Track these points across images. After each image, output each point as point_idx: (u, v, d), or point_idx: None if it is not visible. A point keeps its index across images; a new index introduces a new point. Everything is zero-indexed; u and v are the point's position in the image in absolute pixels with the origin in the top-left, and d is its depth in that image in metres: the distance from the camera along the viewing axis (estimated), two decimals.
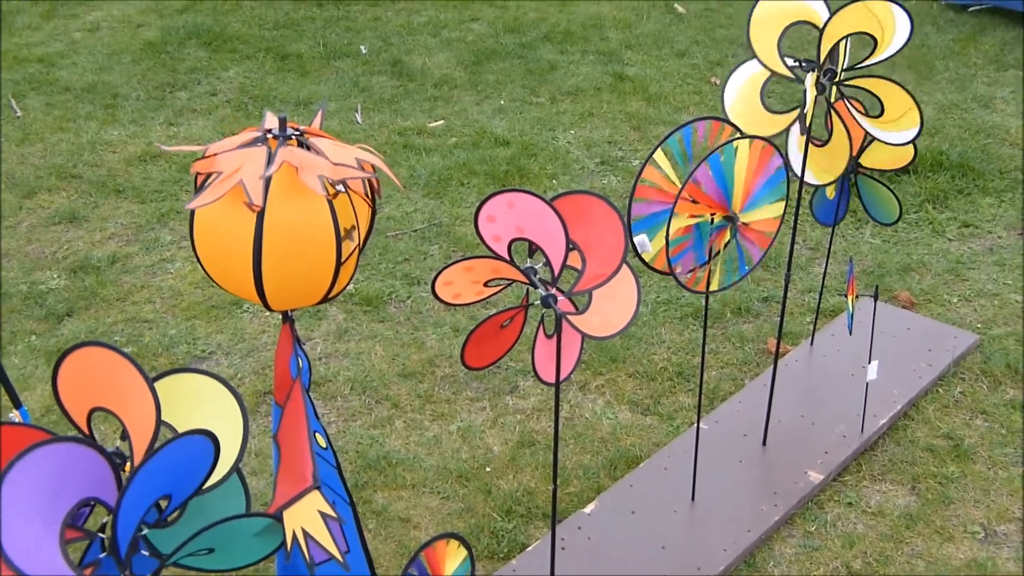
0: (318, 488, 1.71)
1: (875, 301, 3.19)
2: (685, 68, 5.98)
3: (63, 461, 1.39)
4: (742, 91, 2.82)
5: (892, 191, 3.25)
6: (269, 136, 1.70)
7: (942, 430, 3.32)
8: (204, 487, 1.55)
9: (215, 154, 1.65)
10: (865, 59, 2.76)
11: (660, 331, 3.79)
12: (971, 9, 6.62)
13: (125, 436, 1.53)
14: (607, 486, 3.10)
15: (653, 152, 2.39)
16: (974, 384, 3.51)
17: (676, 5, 6.91)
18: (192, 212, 1.69)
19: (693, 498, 3.01)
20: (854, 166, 3.20)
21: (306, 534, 1.69)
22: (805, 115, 2.75)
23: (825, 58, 2.71)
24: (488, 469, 3.20)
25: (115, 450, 1.53)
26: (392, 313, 3.91)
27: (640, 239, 2.44)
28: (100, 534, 1.51)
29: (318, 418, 1.98)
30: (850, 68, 2.82)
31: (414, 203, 4.62)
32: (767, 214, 2.55)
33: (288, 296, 1.74)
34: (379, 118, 5.43)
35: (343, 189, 1.71)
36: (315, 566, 1.74)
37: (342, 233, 1.69)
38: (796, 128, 2.84)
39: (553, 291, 2.05)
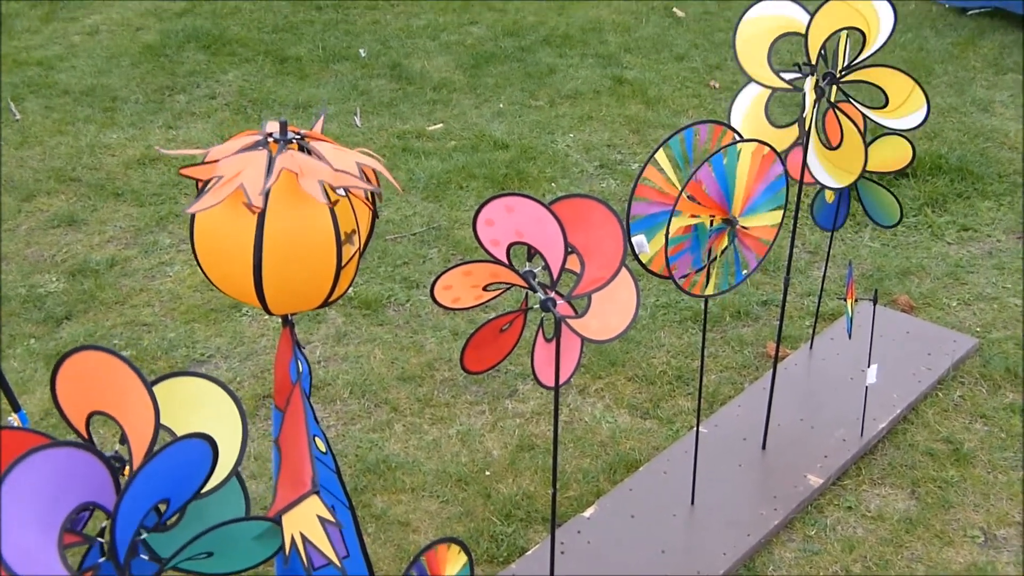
0: (317, 493, 1.71)
1: (874, 305, 3.19)
2: (684, 72, 5.98)
3: (62, 466, 1.39)
4: (748, 112, 2.83)
5: (892, 193, 3.25)
6: (270, 140, 1.69)
7: (942, 434, 3.31)
8: (203, 491, 1.54)
9: (215, 160, 1.65)
10: (858, 55, 2.77)
11: (659, 335, 3.79)
12: (970, 12, 6.62)
13: (124, 440, 1.53)
14: (606, 490, 3.10)
15: (655, 152, 2.39)
16: (973, 388, 3.51)
17: (675, 9, 6.92)
18: (192, 216, 1.69)
19: (693, 502, 3.01)
20: None
21: (305, 539, 1.69)
22: (804, 119, 2.76)
23: (818, 60, 2.72)
24: (487, 473, 3.19)
25: (114, 454, 1.53)
26: (391, 316, 3.91)
27: (638, 239, 2.44)
28: (99, 538, 1.50)
29: (317, 422, 1.98)
30: (846, 68, 2.82)
31: (413, 206, 4.62)
32: (765, 221, 2.55)
33: (288, 300, 1.73)
34: (378, 121, 5.43)
35: (344, 194, 1.71)
36: (314, 571, 1.73)
37: (343, 237, 1.69)
38: (812, 137, 2.85)
39: (552, 295, 2.05)
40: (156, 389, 1.54)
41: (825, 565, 2.88)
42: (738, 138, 2.50)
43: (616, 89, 5.78)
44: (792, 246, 2.98)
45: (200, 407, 1.65)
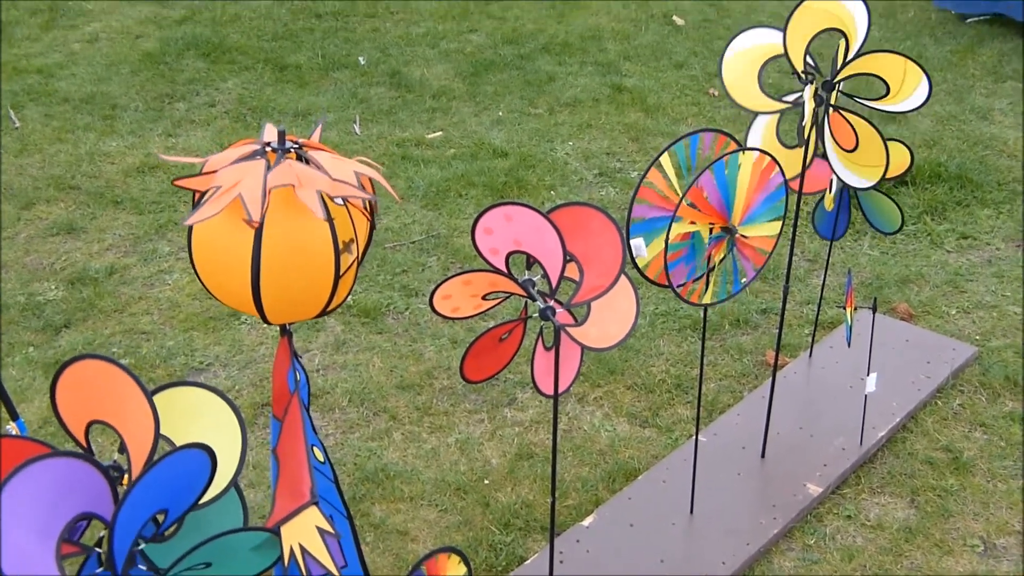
0: (316, 503, 1.71)
1: (874, 313, 3.19)
2: (683, 79, 5.99)
3: (61, 475, 1.38)
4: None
5: (893, 199, 3.25)
6: (268, 149, 1.69)
7: (941, 442, 3.31)
8: (202, 502, 1.54)
9: (213, 170, 1.65)
10: (871, 98, 2.77)
11: (658, 343, 3.78)
12: (969, 20, 6.63)
13: (123, 449, 1.53)
14: (605, 499, 3.10)
15: (660, 155, 2.40)
16: (973, 396, 3.51)
17: (674, 17, 6.92)
18: (190, 226, 1.68)
19: (692, 511, 3.00)
20: None
21: (303, 550, 1.68)
22: (804, 127, 2.75)
23: (811, 68, 2.72)
24: (486, 482, 3.19)
25: (112, 463, 1.52)
26: (390, 325, 3.91)
27: (636, 242, 2.44)
28: (97, 548, 1.50)
29: (315, 432, 1.98)
30: (850, 96, 2.83)
31: (412, 214, 4.62)
32: (764, 231, 2.55)
33: (286, 310, 1.73)
34: (377, 129, 5.44)
35: (342, 203, 1.71)
36: None
37: (340, 246, 1.69)
38: (761, 120, 2.86)
39: (551, 303, 2.05)
40: (155, 399, 1.54)
41: (824, 574, 2.87)
42: (728, 142, 2.51)
43: (615, 97, 5.78)
44: (791, 254, 2.98)
45: (199, 417, 1.65)
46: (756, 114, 2.87)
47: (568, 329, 2.11)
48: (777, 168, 2.48)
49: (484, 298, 2.12)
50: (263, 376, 3.62)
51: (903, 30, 6.57)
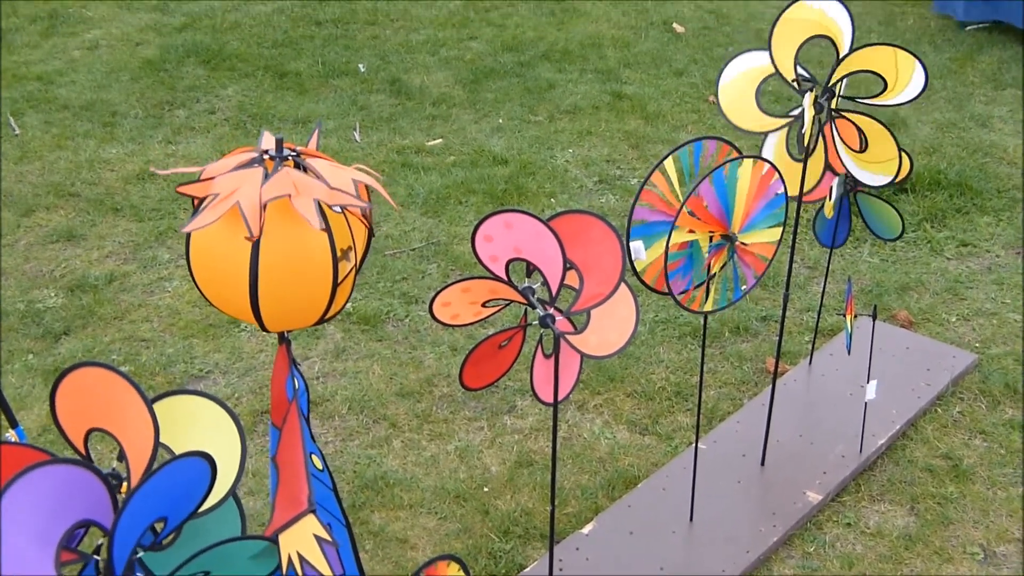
0: (314, 511, 1.70)
1: (873, 320, 3.19)
2: (683, 87, 5.99)
3: (60, 482, 1.38)
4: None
5: (893, 205, 3.25)
6: (266, 157, 1.69)
7: (941, 450, 3.31)
8: (201, 510, 1.54)
9: (211, 177, 1.65)
10: (869, 96, 2.76)
11: (658, 350, 3.78)
12: (968, 28, 6.64)
13: (122, 457, 1.53)
14: (605, 506, 3.10)
15: (665, 157, 2.40)
16: (973, 404, 3.51)
17: (674, 24, 6.93)
18: (188, 234, 1.68)
19: (692, 519, 3.00)
20: (852, 184, 3.19)
21: (301, 558, 1.68)
22: (803, 135, 2.75)
23: (810, 78, 2.72)
24: (486, 489, 3.19)
25: (111, 471, 1.52)
26: (390, 332, 3.91)
27: (636, 245, 2.44)
28: (95, 556, 1.50)
29: (314, 440, 1.98)
30: (850, 98, 2.82)
31: (412, 222, 4.63)
32: (764, 238, 2.55)
33: (284, 318, 1.73)
34: (377, 136, 5.44)
35: (340, 210, 1.71)
36: None
37: (338, 254, 1.69)
38: (773, 138, 2.85)
39: (551, 311, 2.05)
40: (155, 407, 1.54)
41: None
42: (731, 152, 2.51)
43: (615, 104, 5.79)
44: (791, 261, 2.98)
45: (199, 426, 1.65)
46: (766, 134, 2.87)
47: (568, 337, 2.11)
48: (776, 175, 2.48)
49: (484, 305, 2.12)
50: (263, 383, 3.62)
51: (902, 37, 6.58)
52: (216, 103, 5.83)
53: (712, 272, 2.54)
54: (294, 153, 1.71)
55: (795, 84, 2.70)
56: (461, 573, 2.10)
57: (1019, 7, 6.27)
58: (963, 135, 5.33)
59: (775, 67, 2.71)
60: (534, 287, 2.07)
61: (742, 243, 2.52)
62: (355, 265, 1.78)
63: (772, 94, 5.39)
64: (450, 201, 4.78)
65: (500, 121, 5.61)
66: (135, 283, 4.21)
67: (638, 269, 2.46)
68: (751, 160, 2.43)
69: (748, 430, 3.33)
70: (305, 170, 1.69)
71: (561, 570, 2.83)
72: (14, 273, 4.28)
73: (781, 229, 2.56)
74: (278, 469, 1.81)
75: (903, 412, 3.40)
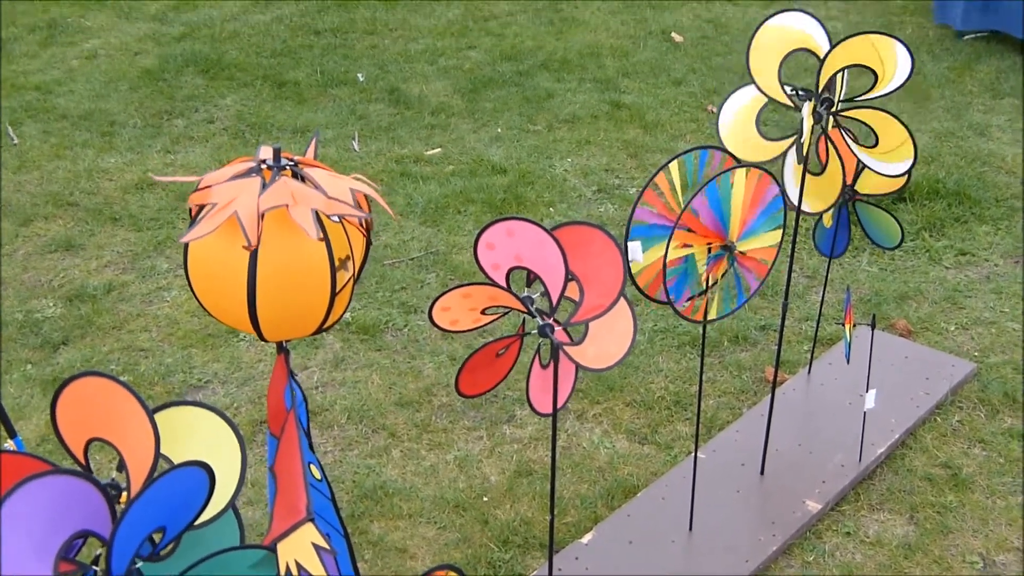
0: (312, 520, 1.70)
1: (872, 330, 3.19)
2: (682, 96, 6.00)
3: (60, 493, 1.38)
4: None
5: (892, 214, 3.25)
6: (263, 167, 1.69)
7: (940, 459, 3.31)
8: (200, 521, 1.54)
9: (209, 186, 1.65)
10: (864, 93, 2.75)
11: (657, 360, 3.78)
12: (966, 37, 6.65)
13: (121, 467, 1.52)
14: (604, 516, 3.09)
15: (668, 162, 2.40)
16: (972, 413, 3.51)
17: (673, 34, 6.94)
18: (186, 244, 1.68)
19: (691, 528, 3.00)
20: (851, 194, 3.20)
21: (300, 567, 1.68)
22: (802, 144, 2.75)
23: (823, 88, 2.71)
24: (485, 499, 3.18)
25: (110, 481, 1.52)
26: (389, 341, 3.90)
27: (633, 245, 2.44)
28: (93, 567, 1.49)
29: (312, 449, 1.98)
30: (848, 100, 2.82)
31: (411, 231, 4.63)
32: (764, 242, 2.55)
33: (282, 328, 1.73)
34: (376, 146, 5.44)
35: (338, 220, 1.71)
36: None
37: (336, 263, 1.69)
38: (792, 157, 2.83)
39: (550, 321, 2.05)
40: (155, 418, 1.54)
41: None
42: (734, 164, 2.51)
43: (614, 114, 5.79)
44: (790, 271, 2.98)
45: (198, 438, 1.65)
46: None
47: (566, 348, 2.11)
48: (772, 181, 2.48)
49: (483, 312, 2.12)
50: (262, 393, 3.61)
51: None
52: (215, 112, 5.84)
53: (713, 282, 2.54)
54: (292, 162, 1.71)
55: (792, 101, 2.70)
56: None
57: (1018, 17, 6.28)
58: (961, 144, 5.33)
59: (764, 94, 2.72)
60: (534, 296, 2.07)
61: (741, 252, 2.52)
62: (353, 274, 1.78)
63: (783, 113, 5.39)
64: (449, 210, 4.78)
65: (499, 130, 5.61)
66: (134, 293, 4.21)
67: (634, 271, 2.45)
68: (743, 169, 2.44)
69: (747, 439, 3.33)
70: (303, 180, 1.69)
71: None
72: (12, 283, 4.28)
73: (781, 231, 2.56)
74: (276, 478, 1.81)
75: (902, 421, 3.39)
